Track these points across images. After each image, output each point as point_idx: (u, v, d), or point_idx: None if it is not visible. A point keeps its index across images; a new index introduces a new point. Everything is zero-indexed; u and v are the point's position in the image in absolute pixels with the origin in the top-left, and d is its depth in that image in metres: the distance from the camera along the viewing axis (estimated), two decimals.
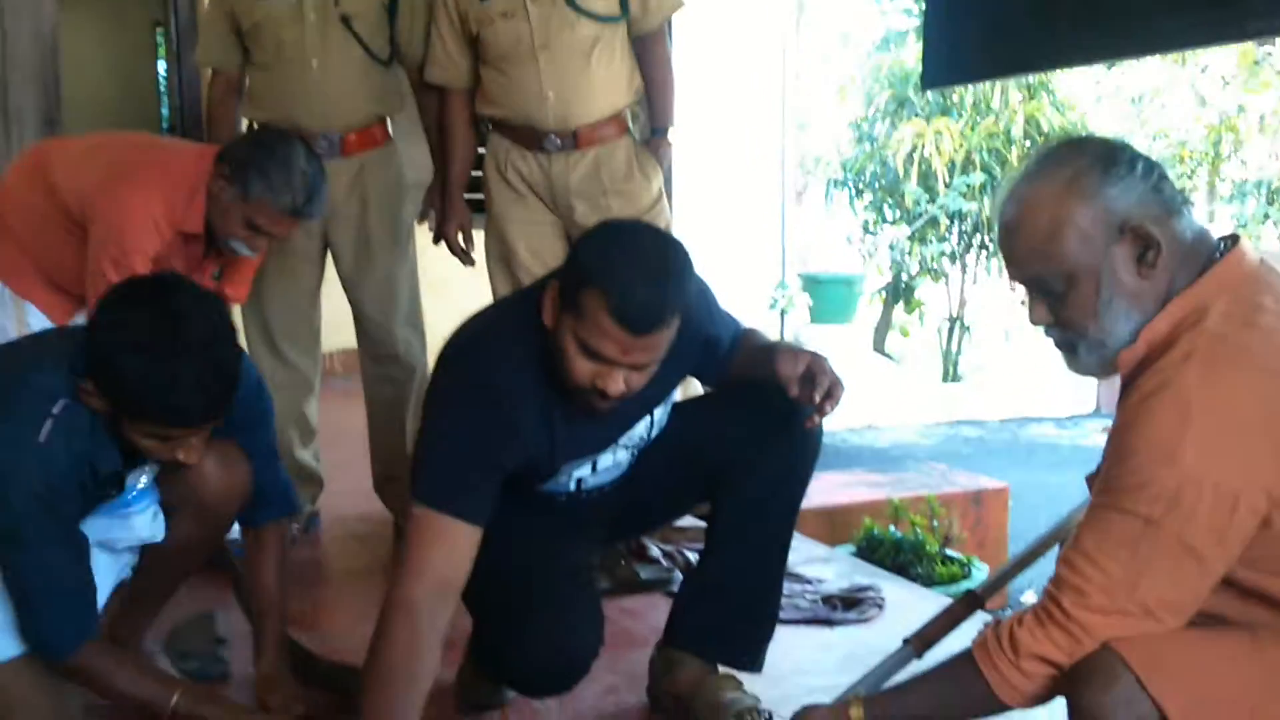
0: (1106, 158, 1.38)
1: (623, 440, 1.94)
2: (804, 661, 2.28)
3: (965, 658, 1.41)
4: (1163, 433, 1.28)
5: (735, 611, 2.04)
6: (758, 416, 1.97)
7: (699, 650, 2.04)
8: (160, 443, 1.70)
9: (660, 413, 1.98)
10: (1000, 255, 1.48)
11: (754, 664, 2.06)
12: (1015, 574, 1.74)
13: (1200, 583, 1.30)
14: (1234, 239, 1.41)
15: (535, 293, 1.81)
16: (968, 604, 1.74)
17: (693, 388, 2.41)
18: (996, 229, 1.45)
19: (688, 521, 3.13)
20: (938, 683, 1.45)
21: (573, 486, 1.97)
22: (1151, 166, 1.39)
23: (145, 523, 1.93)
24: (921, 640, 1.72)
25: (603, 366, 1.67)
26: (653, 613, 2.56)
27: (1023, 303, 1.48)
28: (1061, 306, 1.40)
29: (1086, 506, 1.40)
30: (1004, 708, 1.38)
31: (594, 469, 1.96)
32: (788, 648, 2.23)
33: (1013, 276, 1.44)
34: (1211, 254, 1.39)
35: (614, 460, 1.97)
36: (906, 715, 1.47)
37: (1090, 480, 1.43)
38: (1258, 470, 1.27)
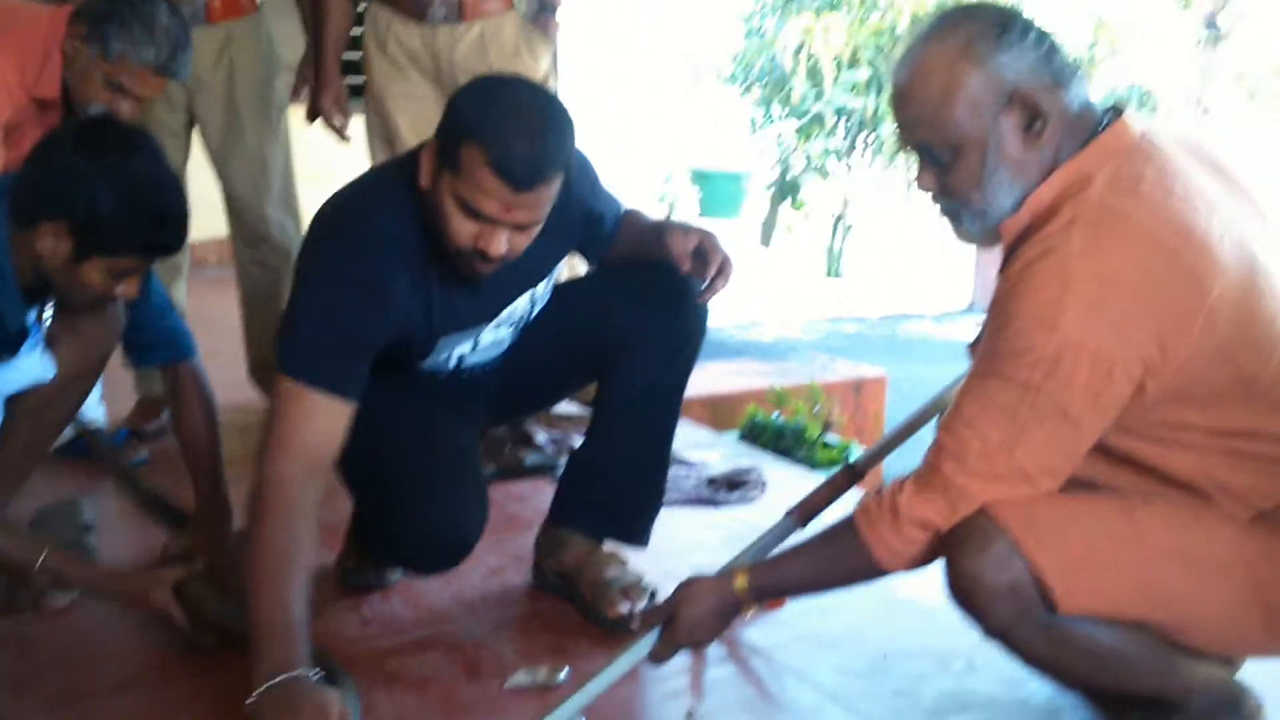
0: (1001, 24, 1.37)
1: (504, 316, 1.90)
2: (688, 541, 2.30)
3: (846, 524, 1.42)
4: (1043, 299, 1.29)
5: (622, 488, 2.03)
6: (645, 294, 1.95)
7: (585, 527, 2.04)
8: (113, 279, 1.79)
9: (543, 289, 1.95)
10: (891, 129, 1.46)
11: (640, 540, 2.06)
12: (893, 447, 1.76)
13: (1076, 447, 1.33)
14: (1118, 111, 1.42)
15: (411, 158, 1.75)
16: (847, 476, 1.76)
17: (576, 271, 2.38)
18: (890, 91, 1.43)
19: (572, 409, 3.14)
20: (820, 549, 1.46)
21: (453, 364, 1.93)
22: (1044, 36, 1.38)
23: (34, 363, 1.90)
24: (803, 512, 1.74)
25: (484, 226, 1.63)
26: (537, 497, 2.55)
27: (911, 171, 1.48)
28: (947, 175, 1.40)
29: (965, 376, 1.42)
30: (883, 573, 1.41)
31: (475, 346, 1.92)
32: (672, 528, 2.25)
33: (902, 141, 1.43)
34: (1096, 125, 1.39)
35: (495, 338, 1.94)
36: (790, 581, 1.48)
37: (971, 349, 1.45)
38: (1134, 338, 1.29)
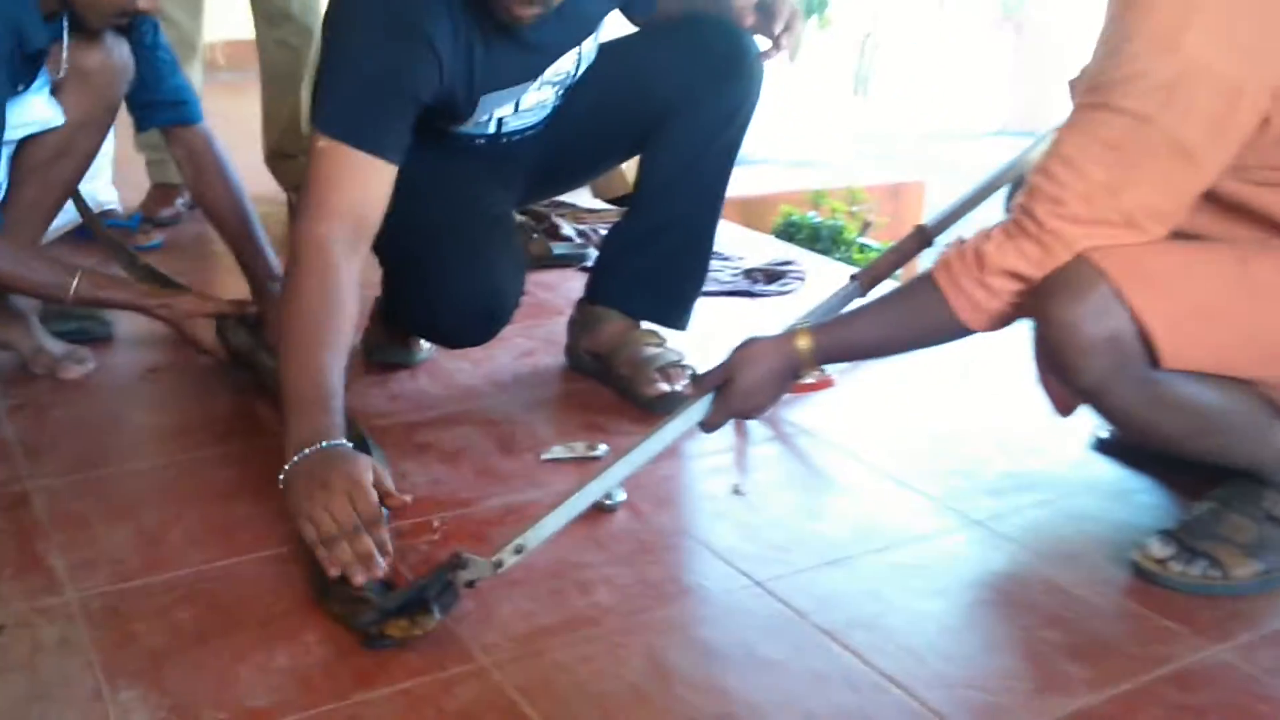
0: None
1: (548, 75, 1.76)
2: (727, 329, 2.20)
3: (924, 279, 1.31)
4: (1165, 18, 1.15)
5: (663, 265, 1.92)
6: (698, 53, 1.81)
7: (622, 305, 1.94)
8: None
9: (589, 47, 1.80)
10: None
11: (679, 322, 1.96)
12: (966, 210, 1.64)
13: (1189, 188, 1.20)
14: None
15: None
16: (917, 240, 1.64)
17: None
18: None
19: (599, 205, 3.01)
20: (892, 306, 1.36)
21: (493, 129, 1.80)
22: None
23: (43, 104, 1.79)
24: (869, 277, 1.63)
25: None
26: (566, 285, 2.45)
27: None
28: None
29: (1059, 124, 1.29)
30: (964, 331, 1.30)
31: (517, 108, 1.78)
32: (709, 317, 2.14)
33: None
34: None
35: (539, 99, 1.80)
36: (857, 342, 1.38)
37: (1073, 84, 1.31)
38: (1265, 62, 1.15)
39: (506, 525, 1.50)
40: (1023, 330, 1.33)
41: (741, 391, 1.38)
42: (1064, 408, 1.42)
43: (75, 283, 1.80)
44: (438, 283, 1.71)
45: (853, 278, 1.65)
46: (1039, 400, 1.48)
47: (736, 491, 1.60)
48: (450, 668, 1.22)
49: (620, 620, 1.31)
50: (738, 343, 1.44)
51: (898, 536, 1.48)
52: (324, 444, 1.39)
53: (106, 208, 2.83)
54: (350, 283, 1.51)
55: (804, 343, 1.37)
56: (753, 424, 1.80)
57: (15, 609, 1.31)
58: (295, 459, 1.38)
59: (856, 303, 1.58)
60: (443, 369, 2.02)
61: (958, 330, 1.29)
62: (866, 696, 1.19)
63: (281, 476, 1.39)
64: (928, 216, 1.77)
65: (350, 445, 1.42)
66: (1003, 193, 1.66)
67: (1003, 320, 1.28)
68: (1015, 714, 1.16)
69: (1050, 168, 1.22)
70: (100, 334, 2.12)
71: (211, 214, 2.03)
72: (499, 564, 1.27)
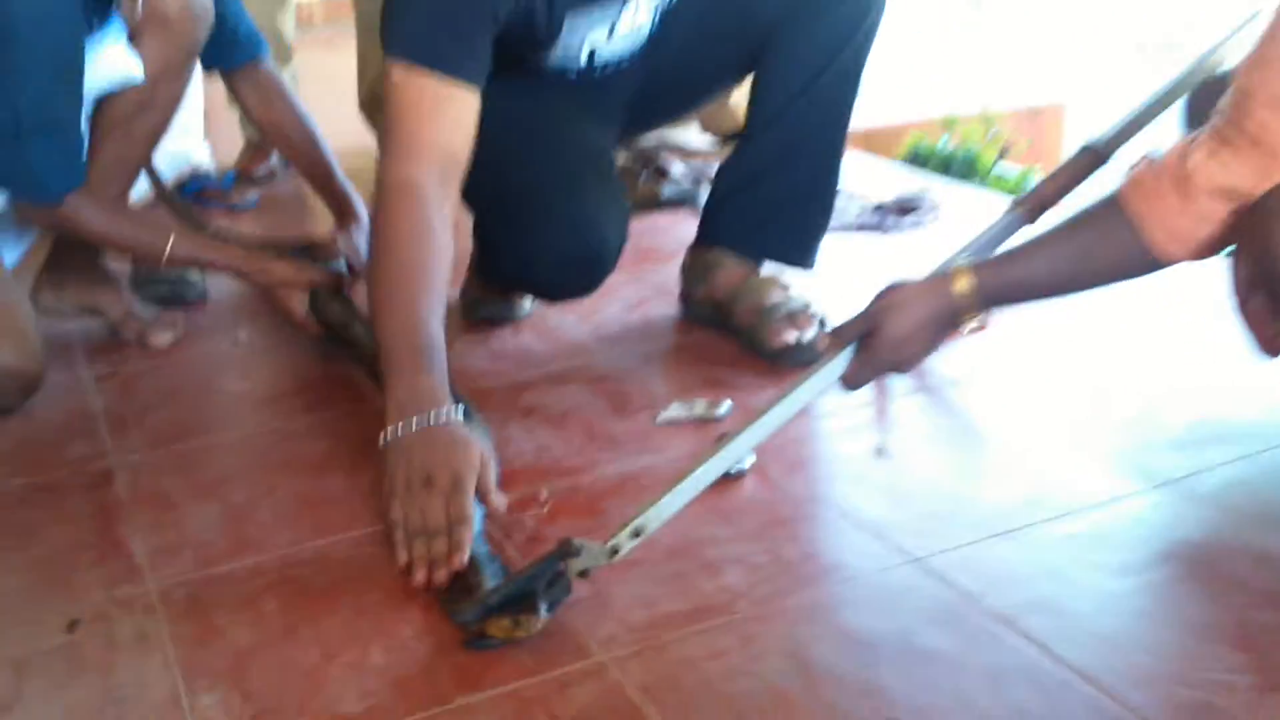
0: None
1: None
2: (856, 270, 2.00)
3: (1108, 203, 1.11)
4: None
5: (783, 198, 1.74)
6: None
7: (740, 245, 1.76)
8: None
9: None
10: None
11: (805, 260, 1.78)
12: (1141, 126, 1.42)
13: None
14: None
15: None
16: (1089, 159, 1.42)
17: None
18: None
19: (706, 143, 2.82)
20: (1070, 237, 1.15)
21: (585, 60, 1.63)
22: None
23: (121, 55, 1.68)
24: (1034, 203, 1.41)
25: None
26: (677, 229, 2.27)
27: None
28: None
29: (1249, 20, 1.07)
30: (1157, 265, 1.10)
31: (610, 34, 1.61)
32: (835, 258, 1.95)
33: None
34: None
35: (633, 24, 1.62)
36: (1028, 281, 1.18)
37: None
38: None
39: (621, 497, 1.35)
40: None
41: (889, 343, 1.20)
42: (1271, 346, 1.21)
43: (171, 242, 1.71)
44: (534, 229, 1.55)
45: (1015, 205, 1.44)
46: (1236, 337, 1.27)
47: (880, 452, 1.42)
48: (564, 665, 1.07)
49: (754, 606, 1.14)
50: (881, 286, 1.26)
51: (1072, 502, 1.28)
52: (431, 415, 1.25)
53: (199, 167, 2.73)
54: (443, 225, 1.37)
55: (964, 284, 1.18)
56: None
57: (93, 600, 1.20)
58: (397, 428, 1.24)
59: (1022, 235, 1.37)
60: (547, 324, 1.86)
61: (1151, 263, 1.09)
62: (1053, 695, 1.00)
63: (384, 441, 1.25)
64: (1072, 140, 1.54)
65: (460, 417, 1.27)
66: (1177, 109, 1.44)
67: (1207, 249, 1.07)
68: (1238, 718, 0.96)
69: (1265, 63, 1.00)
70: (192, 296, 2.02)
71: (284, 144, 1.98)
72: (614, 550, 1.11)
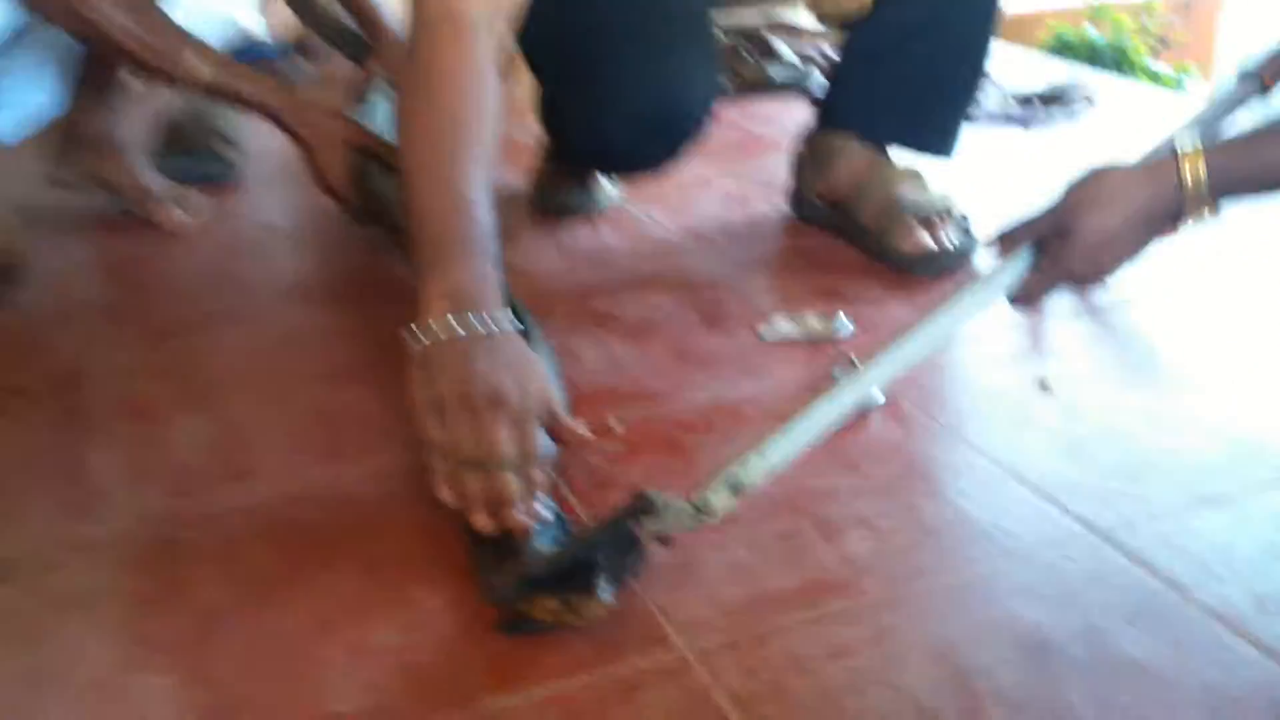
0: None
1: None
2: (999, 166, 1.68)
3: None
4: None
5: (919, 74, 1.42)
6: None
7: (867, 128, 1.44)
8: None
9: None
10: None
11: (944, 147, 1.46)
12: None
13: None
14: None
15: None
16: None
17: None
18: None
19: (814, 24, 2.48)
20: None
21: None
22: None
23: None
24: (1276, 70, 1.09)
25: None
26: (786, 116, 1.96)
27: None
28: None
29: None
30: None
31: None
32: (975, 153, 1.62)
33: None
34: None
35: None
36: (1274, 167, 0.86)
37: None
38: None
39: (714, 432, 1.06)
40: None
41: (1086, 247, 0.88)
42: None
43: (205, 62, 1.40)
44: (607, 79, 1.27)
45: (1244, 75, 1.11)
46: None
47: (1044, 387, 1.11)
48: (630, 659, 0.79)
49: (888, 586, 0.86)
50: (1077, 175, 0.94)
51: None
52: (487, 318, 0.93)
53: (250, 36, 2.45)
54: (491, 65, 1.06)
55: (1194, 170, 0.86)
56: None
57: (35, 538, 0.94)
58: (440, 326, 0.92)
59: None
60: (629, 219, 1.57)
61: None
62: None
63: (415, 344, 0.93)
64: (1226, 38, 1.19)
65: (516, 322, 0.97)
66: None
67: None
68: None
69: None
70: (221, 176, 1.76)
71: None
72: (704, 509, 0.83)
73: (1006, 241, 0.94)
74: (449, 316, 0.92)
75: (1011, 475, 0.98)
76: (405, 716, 0.75)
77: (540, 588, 0.80)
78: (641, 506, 0.82)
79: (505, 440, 0.87)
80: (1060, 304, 1.27)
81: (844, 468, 1.00)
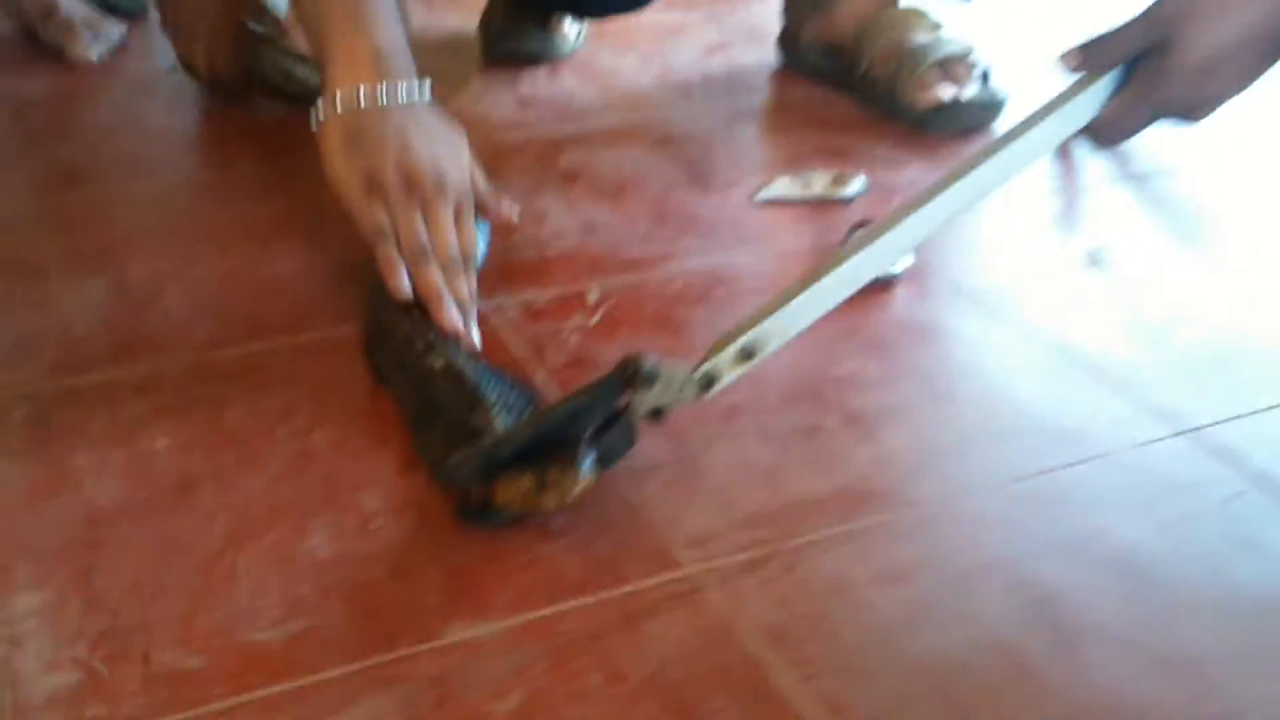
0: None
1: None
2: (1027, 13, 1.50)
3: None
4: None
5: None
6: None
7: None
8: None
9: None
10: None
11: None
12: None
13: None
14: None
15: None
16: None
17: None
18: None
19: None
20: None
21: None
22: None
23: None
24: None
25: None
26: None
27: None
28: None
29: None
30: None
31: None
32: None
33: None
34: None
35: None
36: None
37: None
38: None
39: (709, 304, 0.90)
40: None
41: (1188, 67, 0.71)
42: None
43: None
44: None
45: None
46: None
47: (1095, 260, 0.96)
48: (628, 580, 0.63)
49: (938, 494, 0.70)
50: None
51: None
52: (408, 90, 0.86)
53: None
54: None
55: None
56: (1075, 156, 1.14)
57: None
58: (362, 92, 0.84)
59: None
60: (596, 68, 1.38)
61: None
62: None
63: (318, 116, 0.85)
64: None
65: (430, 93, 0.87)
66: None
67: None
68: None
69: None
70: (129, 5, 1.52)
71: None
72: (709, 378, 0.67)
73: (1088, 56, 0.76)
74: (380, 84, 0.84)
75: (1071, 360, 0.83)
76: (345, 649, 0.58)
77: (507, 465, 0.64)
78: (631, 373, 0.66)
79: (448, 228, 0.82)
80: (1097, 169, 1.11)
81: (869, 350, 0.84)
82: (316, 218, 0.99)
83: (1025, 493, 0.70)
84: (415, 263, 0.80)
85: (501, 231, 0.93)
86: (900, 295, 0.90)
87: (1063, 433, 0.75)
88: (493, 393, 0.72)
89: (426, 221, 0.82)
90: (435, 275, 0.80)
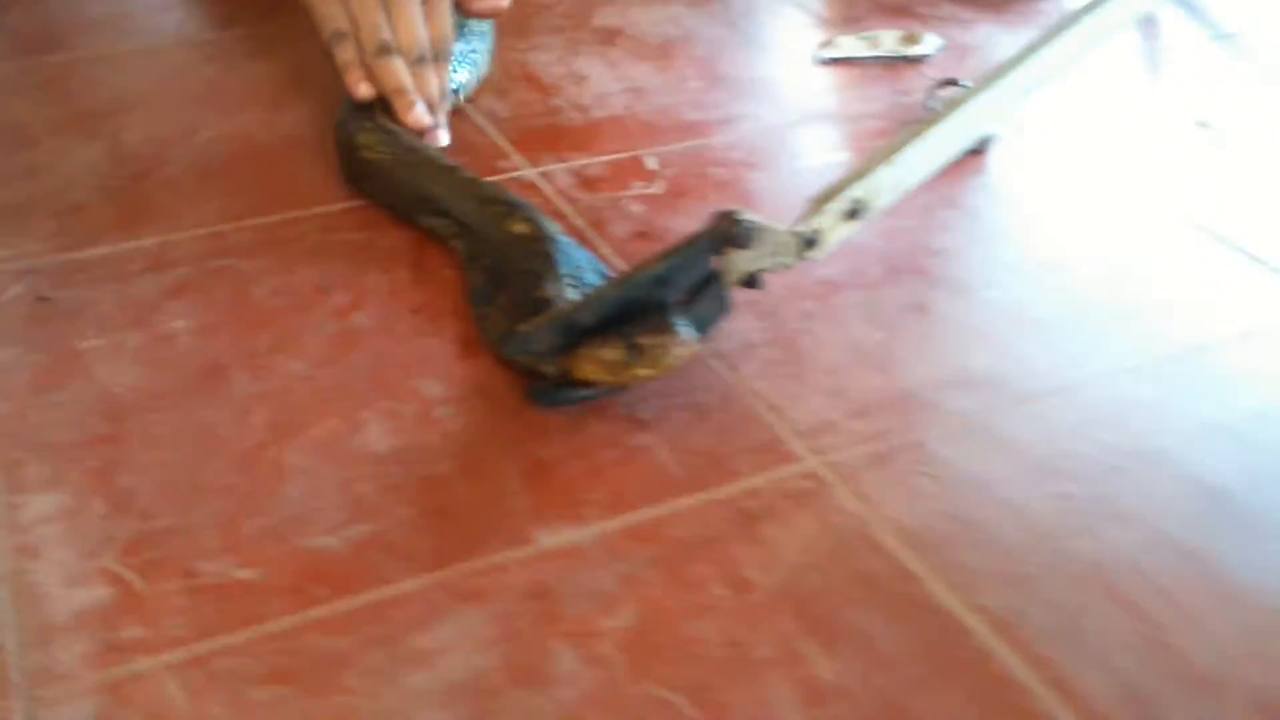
0: None
1: None
2: None
3: None
4: None
5: None
6: None
7: None
8: None
9: None
10: None
11: None
12: None
13: None
14: None
15: None
16: None
17: None
18: None
19: None
20: None
21: None
22: None
23: None
24: None
25: None
26: None
27: None
28: None
29: None
30: None
31: None
32: None
33: None
34: None
35: None
36: None
37: None
38: None
39: (781, 171, 0.80)
40: None
41: None
42: None
43: None
44: None
45: None
46: None
47: (1203, 125, 0.87)
48: (733, 477, 0.55)
49: (1074, 377, 0.62)
50: None
51: None
52: None
53: None
54: None
55: None
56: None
57: None
58: None
59: None
60: None
61: None
62: None
63: None
64: None
65: None
66: None
67: None
68: None
69: None
70: None
71: None
72: (811, 238, 0.58)
73: None
74: None
75: (1196, 227, 0.74)
76: (420, 557, 0.50)
77: (586, 335, 0.55)
78: (727, 231, 0.56)
79: (419, 22, 0.77)
80: (1183, 29, 1.02)
81: (969, 220, 0.75)
82: (329, 77, 0.88)
83: (1177, 374, 0.62)
84: (375, 56, 0.75)
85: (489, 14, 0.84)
86: (994, 162, 0.81)
87: (1206, 306, 0.66)
88: (556, 250, 0.64)
89: (390, 14, 0.76)
90: (396, 67, 0.75)
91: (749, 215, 0.57)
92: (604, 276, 0.64)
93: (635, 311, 0.56)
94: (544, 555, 0.50)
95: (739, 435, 0.57)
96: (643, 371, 0.55)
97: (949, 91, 0.84)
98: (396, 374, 0.60)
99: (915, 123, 0.62)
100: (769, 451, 0.56)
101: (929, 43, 0.95)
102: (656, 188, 0.78)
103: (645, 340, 0.55)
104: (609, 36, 0.99)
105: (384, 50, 0.76)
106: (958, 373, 0.61)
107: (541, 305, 0.59)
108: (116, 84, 0.91)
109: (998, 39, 1.00)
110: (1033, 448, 0.57)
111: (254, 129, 0.84)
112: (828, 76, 0.93)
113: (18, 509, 0.52)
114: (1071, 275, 0.70)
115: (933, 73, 0.92)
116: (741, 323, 0.62)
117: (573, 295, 0.60)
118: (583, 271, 0.63)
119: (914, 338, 0.64)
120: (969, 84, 0.83)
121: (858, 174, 0.60)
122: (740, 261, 0.58)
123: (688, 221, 0.73)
